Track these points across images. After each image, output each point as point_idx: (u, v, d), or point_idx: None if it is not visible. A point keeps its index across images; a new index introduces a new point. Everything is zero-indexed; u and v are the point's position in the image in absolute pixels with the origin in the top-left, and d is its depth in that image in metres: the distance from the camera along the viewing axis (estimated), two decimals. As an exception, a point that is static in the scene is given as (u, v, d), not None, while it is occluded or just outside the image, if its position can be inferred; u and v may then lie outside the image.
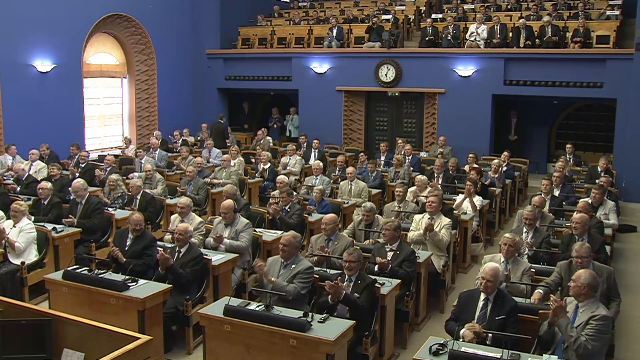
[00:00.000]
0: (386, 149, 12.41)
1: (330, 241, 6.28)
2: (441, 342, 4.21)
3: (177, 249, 5.88)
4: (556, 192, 8.80)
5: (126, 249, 6.17)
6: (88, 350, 3.96)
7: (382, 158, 12.15)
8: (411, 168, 11.08)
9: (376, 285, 5.24)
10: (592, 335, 4.16)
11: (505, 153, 11.22)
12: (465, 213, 8.05)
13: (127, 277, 5.30)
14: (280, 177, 8.85)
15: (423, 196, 8.40)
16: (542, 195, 8.01)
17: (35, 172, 10.04)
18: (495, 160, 10.41)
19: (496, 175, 9.99)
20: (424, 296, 6.34)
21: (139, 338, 3.72)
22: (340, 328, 4.46)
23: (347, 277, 5.24)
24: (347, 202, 8.81)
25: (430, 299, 6.57)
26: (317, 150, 12.59)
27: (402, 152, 11.62)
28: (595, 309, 4.30)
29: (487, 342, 4.42)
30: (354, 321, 4.65)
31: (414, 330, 6.14)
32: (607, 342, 4.33)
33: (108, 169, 10.18)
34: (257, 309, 4.70)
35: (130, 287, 5.20)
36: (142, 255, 6.07)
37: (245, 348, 4.62)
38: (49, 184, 7.97)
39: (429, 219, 6.79)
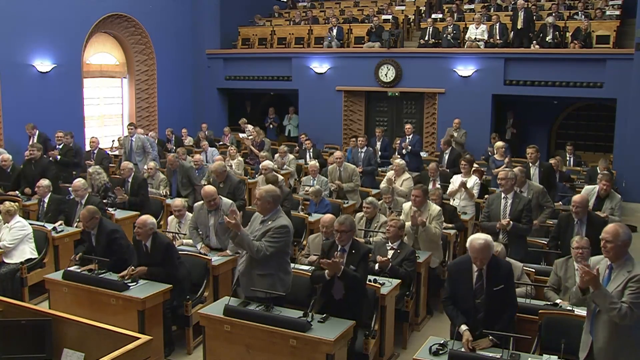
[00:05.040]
0: (382, 134, 12.30)
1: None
2: (441, 342, 4.21)
3: (143, 242, 5.61)
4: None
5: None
6: (88, 350, 3.96)
7: (378, 144, 12.05)
8: (409, 147, 11.02)
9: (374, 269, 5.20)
10: (635, 299, 3.73)
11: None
12: (465, 213, 8.06)
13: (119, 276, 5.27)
14: (265, 163, 8.82)
15: (402, 192, 8.21)
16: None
17: None
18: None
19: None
20: (424, 296, 6.35)
21: (139, 338, 3.72)
22: (340, 328, 4.47)
23: (339, 247, 5.01)
24: (347, 202, 8.81)
25: (430, 299, 6.57)
26: (311, 150, 12.41)
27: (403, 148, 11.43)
28: (632, 267, 3.87)
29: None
30: (354, 321, 4.65)
31: (414, 330, 6.15)
32: None
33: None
34: (257, 309, 4.71)
35: (130, 287, 5.21)
36: (112, 253, 5.73)
37: (245, 348, 4.62)
38: (46, 181, 7.87)
39: (415, 211, 6.41)
